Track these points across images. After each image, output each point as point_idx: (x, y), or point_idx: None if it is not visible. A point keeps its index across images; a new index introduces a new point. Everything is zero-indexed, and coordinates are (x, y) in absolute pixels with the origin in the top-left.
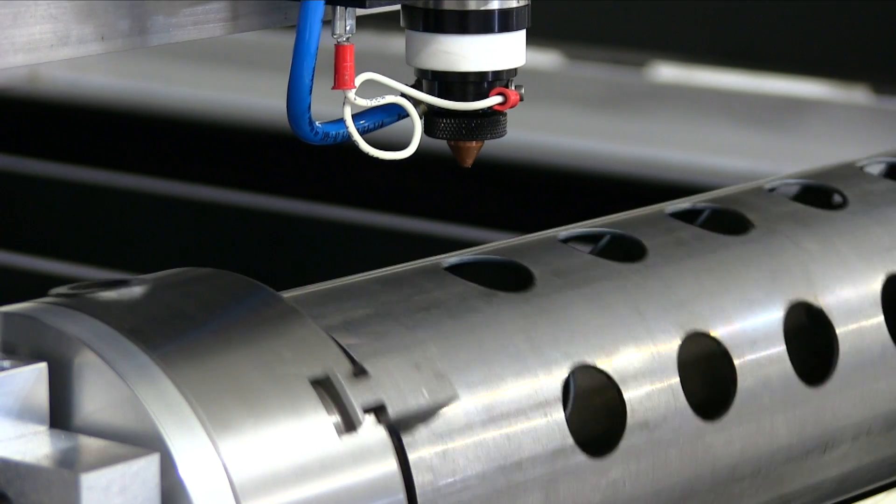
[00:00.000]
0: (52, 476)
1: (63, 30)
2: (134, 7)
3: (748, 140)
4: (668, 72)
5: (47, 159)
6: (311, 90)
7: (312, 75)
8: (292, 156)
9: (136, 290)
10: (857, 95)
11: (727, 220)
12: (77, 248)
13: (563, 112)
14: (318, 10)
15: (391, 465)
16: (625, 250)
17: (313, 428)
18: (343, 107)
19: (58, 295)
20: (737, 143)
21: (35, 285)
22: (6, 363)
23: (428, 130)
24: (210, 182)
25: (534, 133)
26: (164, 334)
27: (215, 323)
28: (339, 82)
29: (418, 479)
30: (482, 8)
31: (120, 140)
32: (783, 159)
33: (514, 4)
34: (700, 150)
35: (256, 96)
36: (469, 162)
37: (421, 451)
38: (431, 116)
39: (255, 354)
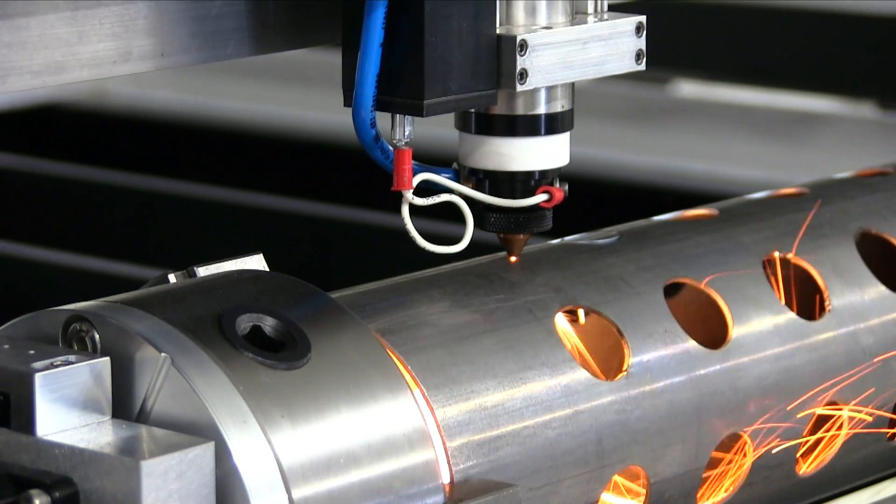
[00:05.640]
0: (114, 463)
1: (125, 47)
2: (192, 26)
3: (763, 151)
4: (689, 88)
5: (112, 168)
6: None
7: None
8: (340, 164)
9: (203, 291)
10: (864, 110)
11: None
12: (138, 250)
13: (591, 125)
14: (378, 12)
15: (433, 453)
16: None
17: (361, 418)
18: (402, 206)
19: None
20: (753, 154)
21: (99, 285)
22: (72, 357)
23: (479, 224)
24: (263, 189)
25: None
26: (219, 331)
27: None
28: (398, 183)
29: (456, 466)
30: (530, 113)
31: (179, 150)
32: (796, 169)
33: (559, 109)
34: (718, 160)
35: (308, 110)
36: (517, 253)
37: (465, 438)
38: (482, 211)
39: (316, 359)
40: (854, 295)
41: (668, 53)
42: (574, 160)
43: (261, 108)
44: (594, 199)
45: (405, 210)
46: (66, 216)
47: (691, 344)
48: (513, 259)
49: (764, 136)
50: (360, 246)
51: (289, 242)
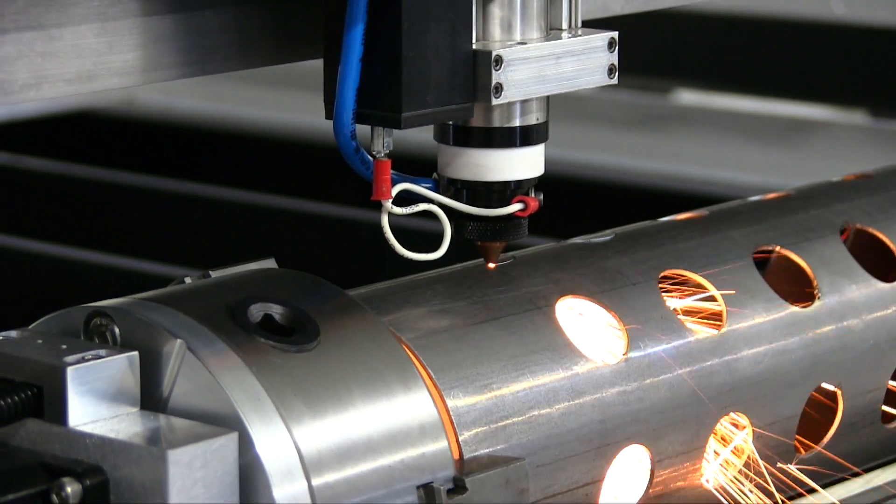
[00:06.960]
0: (142, 452)
1: (153, 56)
2: (215, 38)
3: (760, 157)
4: (688, 96)
5: (141, 172)
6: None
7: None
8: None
9: (217, 287)
10: (856, 117)
11: None
12: (166, 251)
13: (596, 132)
14: (357, 28)
15: (442, 433)
16: None
17: (379, 408)
18: (381, 215)
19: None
20: (750, 159)
21: (129, 283)
22: (102, 352)
23: (457, 232)
24: (283, 193)
25: (570, 149)
26: (242, 325)
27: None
28: (378, 193)
29: (466, 446)
30: (506, 125)
31: (205, 155)
32: (791, 174)
33: (533, 121)
34: (717, 165)
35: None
36: (494, 260)
37: (473, 419)
38: (460, 220)
39: (326, 343)
40: (842, 283)
41: (668, 63)
42: (579, 165)
43: (282, 115)
44: (597, 201)
45: (384, 220)
46: (97, 217)
47: (687, 329)
48: (490, 266)
49: (760, 142)
50: (374, 247)
51: (310, 244)
